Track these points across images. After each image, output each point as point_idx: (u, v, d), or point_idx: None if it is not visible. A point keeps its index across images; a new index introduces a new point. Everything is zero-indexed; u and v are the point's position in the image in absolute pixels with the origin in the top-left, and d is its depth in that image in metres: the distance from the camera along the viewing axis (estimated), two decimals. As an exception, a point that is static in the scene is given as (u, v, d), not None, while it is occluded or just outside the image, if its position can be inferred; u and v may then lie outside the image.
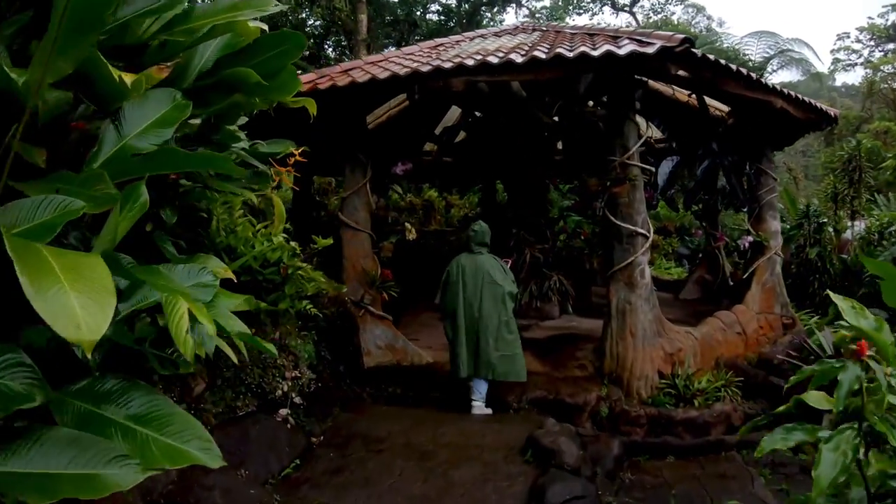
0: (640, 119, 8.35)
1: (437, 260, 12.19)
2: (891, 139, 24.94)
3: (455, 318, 7.30)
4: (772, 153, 10.66)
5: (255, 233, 5.93)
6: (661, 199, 10.13)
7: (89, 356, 2.10)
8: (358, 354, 8.14)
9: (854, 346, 2.61)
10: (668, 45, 6.57)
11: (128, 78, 3.15)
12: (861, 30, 35.56)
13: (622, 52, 6.61)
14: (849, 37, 36.62)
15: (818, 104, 9.67)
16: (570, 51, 6.83)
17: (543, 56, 6.83)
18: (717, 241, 12.20)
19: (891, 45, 33.98)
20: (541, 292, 10.16)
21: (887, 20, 34.16)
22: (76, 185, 3.16)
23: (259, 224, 6.15)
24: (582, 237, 10.81)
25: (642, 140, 8.01)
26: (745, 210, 10.54)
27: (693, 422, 7.39)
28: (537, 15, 27.86)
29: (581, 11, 29.62)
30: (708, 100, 10.14)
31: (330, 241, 6.52)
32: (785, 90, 8.93)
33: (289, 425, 5.85)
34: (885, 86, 29.69)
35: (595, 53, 6.66)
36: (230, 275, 5.04)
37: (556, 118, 10.03)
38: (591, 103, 9.96)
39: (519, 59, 6.90)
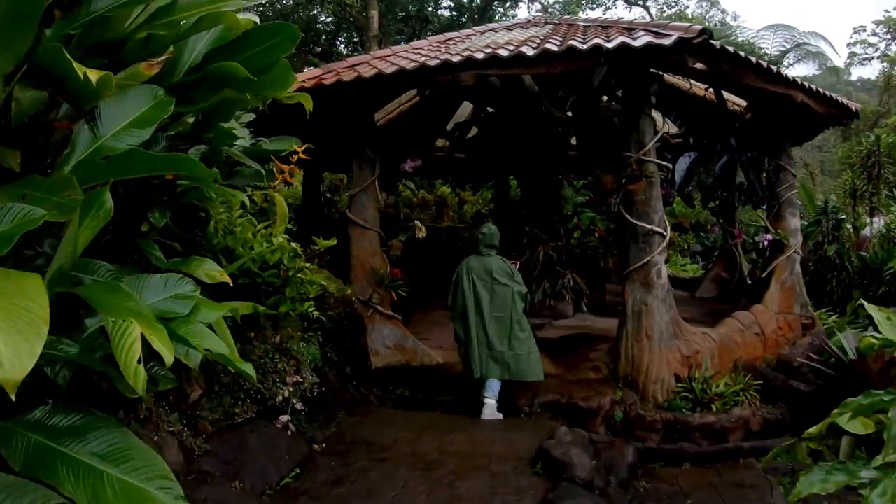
0: (656, 114, 7.97)
1: (449, 257, 11.90)
2: (909, 134, 24.33)
3: (466, 320, 7.15)
4: (790, 148, 10.26)
5: (255, 233, 5.63)
6: (678, 196, 9.74)
7: (13, 398, 1.78)
8: (365, 355, 7.85)
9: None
10: (685, 36, 6.21)
11: (92, 75, 2.84)
12: (877, 23, 34.83)
13: (638, 44, 6.24)
14: (865, 30, 35.94)
15: (840, 98, 9.26)
16: (583, 43, 6.47)
17: (555, 49, 6.47)
18: (734, 238, 11.83)
19: (908, 39, 33.29)
20: (554, 291, 9.80)
21: (905, 13, 33.46)
22: (43, 190, 2.86)
23: (260, 224, 5.85)
24: (597, 235, 10.43)
25: (658, 135, 7.64)
26: (764, 207, 10.16)
27: (710, 427, 7.06)
28: (550, 10, 27.36)
29: (594, 6, 29.03)
30: (725, 94, 9.78)
31: (333, 241, 6.21)
32: (806, 83, 8.54)
33: (289, 432, 5.55)
34: (904, 80, 29.08)
35: (609, 45, 6.29)
36: (226, 278, 4.75)
37: (569, 113, 9.67)
38: (605, 98, 9.62)
39: (530, 52, 6.54)
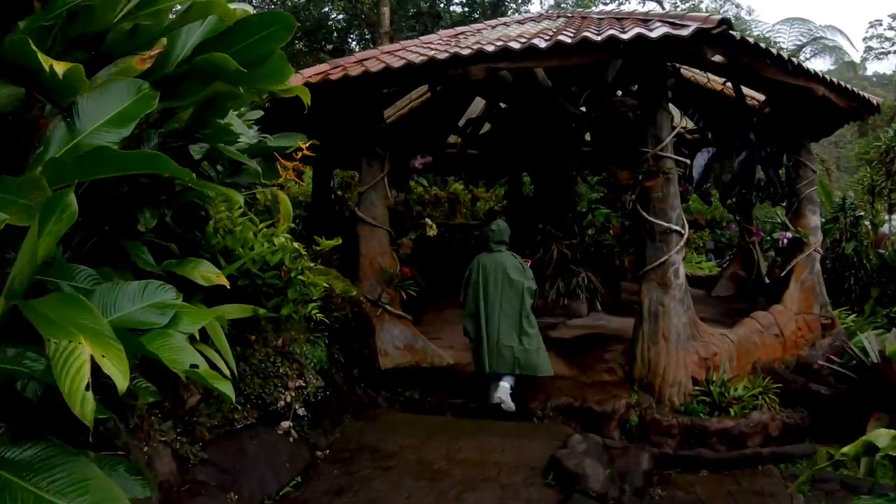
0: (672, 109, 7.66)
1: (462, 254, 11.62)
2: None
3: (477, 317, 7.03)
4: (810, 144, 9.89)
5: (256, 233, 5.37)
6: (695, 193, 9.40)
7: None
8: (374, 356, 7.59)
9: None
10: (704, 26, 5.88)
11: (59, 67, 2.57)
12: (894, 17, 34.12)
13: (654, 34, 5.92)
14: (881, 24, 35.23)
15: (862, 92, 8.89)
16: (598, 35, 6.15)
17: (569, 40, 6.16)
18: (751, 235, 11.47)
19: (927, 33, 32.59)
20: (568, 289, 9.52)
21: (923, 7, 32.74)
22: (11, 192, 2.60)
23: (262, 223, 5.58)
24: (612, 233, 10.11)
25: (676, 130, 7.32)
26: (783, 204, 9.81)
27: (728, 432, 6.76)
28: (563, 5, 26.95)
29: (608, 0, 28.57)
30: (743, 88, 9.41)
31: (338, 241, 5.94)
32: (827, 77, 8.18)
33: (291, 438, 5.29)
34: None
35: (625, 37, 5.98)
36: (223, 281, 4.49)
37: (583, 108, 9.36)
38: (619, 93, 9.30)
39: (542, 44, 6.22)
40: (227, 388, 2.87)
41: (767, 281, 11.03)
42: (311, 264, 5.80)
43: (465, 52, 6.50)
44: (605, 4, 28.13)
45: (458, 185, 16.51)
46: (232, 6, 3.71)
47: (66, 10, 3.09)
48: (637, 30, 6.04)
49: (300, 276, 5.27)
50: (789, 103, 8.78)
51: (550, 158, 10.35)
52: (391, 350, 7.84)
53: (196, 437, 4.75)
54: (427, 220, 9.14)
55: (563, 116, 9.47)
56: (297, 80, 7.26)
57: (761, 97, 9.70)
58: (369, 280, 7.96)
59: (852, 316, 10.74)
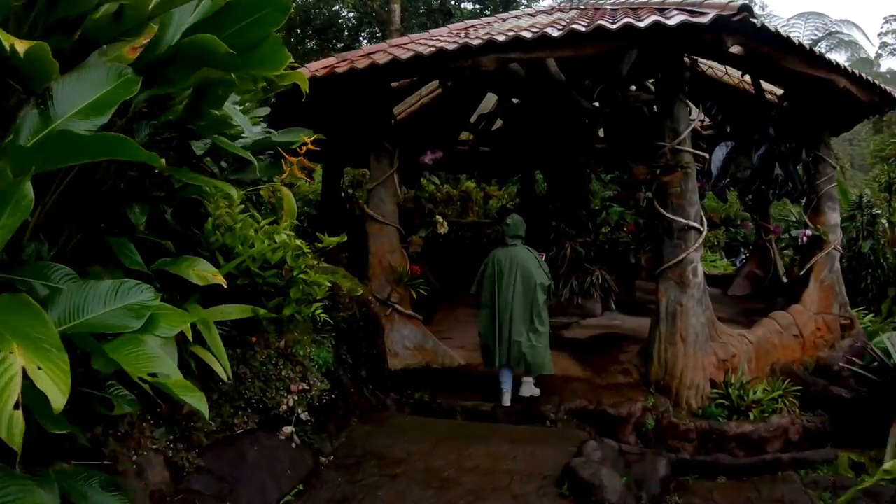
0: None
1: (473, 253, 11.33)
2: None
3: (490, 310, 6.80)
4: (829, 139, 9.52)
5: (257, 230, 5.08)
6: (712, 189, 9.05)
7: None
8: (382, 357, 7.30)
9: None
10: (723, 13, 5.56)
11: (20, 46, 2.29)
12: (910, 12, 33.45)
13: (672, 22, 5.60)
14: (896, 20, 34.58)
15: (884, 86, 8.51)
16: (613, 23, 5.83)
17: (583, 29, 5.84)
18: (768, 233, 11.11)
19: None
20: (582, 288, 9.23)
21: (939, 2, 32.12)
22: (-27, 181, 2.33)
23: (265, 220, 5.30)
24: (627, 231, 9.77)
25: (693, 123, 6.98)
26: (802, 201, 9.45)
27: (747, 437, 6.48)
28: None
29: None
30: (761, 82, 9.05)
31: (342, 238, 5.63)
32: (849, 68, 7.82)
33: (293, 444, 4.98)
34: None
35: (641, 25, 5.66)
36: (220, 280, 4.21)
37: (596, 104, 9.03)
38: (633, 88, 8.97)
39: (555, 33, 5.91)
40: (197, 403, 2.56)
41: (785, 280, 10.69)
42: (316, 262, 5.51)
43: (476, 42, 6.19)
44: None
45: (471, 184, 16.23)
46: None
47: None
48: (654, 17, 5.73)
49: (302, 275, 4.97)
50: (808, 97, 8.47)
51: (564, 155, 10.04)
52: (401, 350, 7.59)
53: (193, 443, 4.46)
54: (438, 217, 8.86)
55: (576, 112, 9.17)
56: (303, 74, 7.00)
57: (779, 91, 9.35)
58: (378, 279, 7.71)
59: (869, 316, 10.45)
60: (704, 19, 5.55)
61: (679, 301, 6.70)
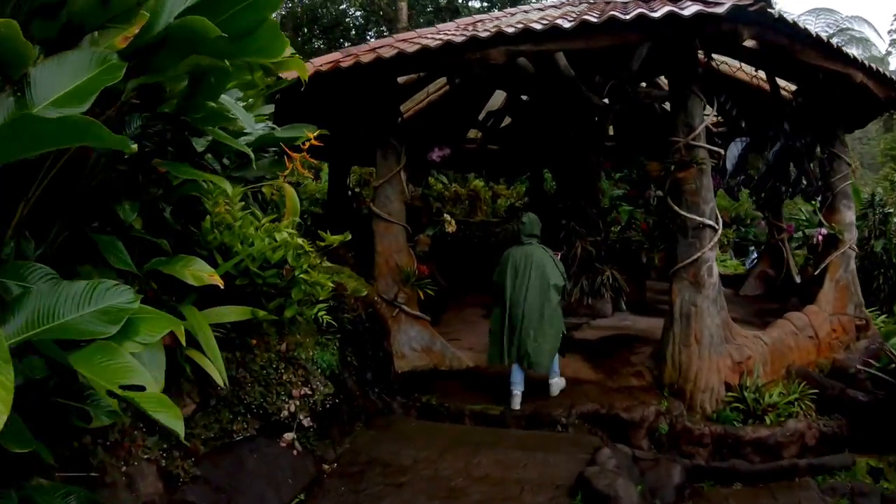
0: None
1: (482, 252, 11.09)
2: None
3: (502, 309, 6.60)
4: (844, 136, 9.23)
5: (257, 228, 4.84)
6: (728, 185, 8.78)
7: None
8: (389, 359, 7.05)
9: None
10: (740, 3, 5.30)
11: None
12: (921, 10, 32.95)
13: (687, 12, 5.35)
14: (907, 16, 34.06)
15: (901, 80, 8.22)
16: (626, 14, 5.57)
17: (595, 20, 5.58)
18: (781, 232, 10.82)
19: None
20: (592, 288, 8.98)
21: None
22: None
23: (266, 218, 5.06)
24: (641, 229, 9.50)
25: (709, 118, 6.72)
26: (818, 199, 9.16)
27: (763, 442, 6.26)
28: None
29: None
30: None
31: (346, 236, 5.39)
32: (866, 62, 7.56)
33: (295, 451, 4.74)
34: (948, 69, 27.47)
35: (655, 15, 5.41)
36: (217, 280, 3.97)
37: (606, 100, 8.77)
38: (643, 84, 8.71)
39: (567, 24, 5.66)
40: (172, 421, 2.28)
41: (798, 280, 10.40)
42: (319, 261, 5.27)
43: (484, 34, 5.94)
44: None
45: (479, 182, 15.97)
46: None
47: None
48: (668, 7, 5.48)
49: (303, 275, 4.73)
50: (823, 92, 8.18)
51: (573, 152, 9.79)
52: (408, 352, 7.36)
53: (189, 451, 4.21)
54: (446, 216, 8.61)
55: (586, 108, 8.91)
56: (307, 69, 6.76)
57: (792, 87, 9.07)
58: (385, 279, 7.47)
59: (882, 317, 10.23)
60: (720, 9, 5.30)
61: (693, 302, 6.44)
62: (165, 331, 2.60)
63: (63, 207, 3.53)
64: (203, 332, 3.71)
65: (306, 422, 4.87)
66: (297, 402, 4.84)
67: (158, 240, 4.16)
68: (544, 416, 6.24)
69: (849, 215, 8.83)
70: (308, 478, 4.69)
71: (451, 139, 9.68)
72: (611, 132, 10.98)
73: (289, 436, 4.75)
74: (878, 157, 26.09)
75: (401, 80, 7.87)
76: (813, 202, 9.77)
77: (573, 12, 6.80)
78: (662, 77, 10.09)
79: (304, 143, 5.25)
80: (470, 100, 10.62)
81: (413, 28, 16.64)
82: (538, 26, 5.78)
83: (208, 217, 4.63)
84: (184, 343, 3.46)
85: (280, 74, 4.46)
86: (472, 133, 12.34)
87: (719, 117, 8.89)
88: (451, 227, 8.47)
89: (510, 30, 5.86)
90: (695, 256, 6.39)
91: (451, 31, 7.37)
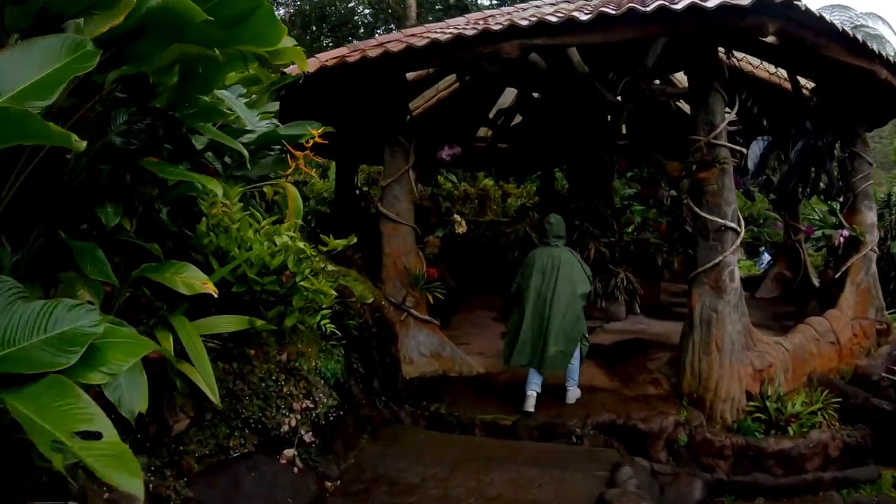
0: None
1: (492, 253, 10.75)
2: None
3: (527, 311, 6.34)
4: (865, 134, 8.85)
5: (256, 231, 4.52)
6: (749, 185, 8.42)
7: None
8: (396, 366, 6.72)
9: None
10: (766, -7, 4.94)
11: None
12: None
13: (710, 3, 4.99)
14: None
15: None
16: (645, 5, 5.22)
17: (613, 12, 5.23)
18: (798, 233, 10.44)
19: (964, 26, 30.86)
20: (606, 291, 8.64)
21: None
22: None
23: (266, 220, 4.74)
24: (658, 231, 9.14)
25: (730, 116, 6.37)
26: (837, 200, 8.79)
27: (787, 454, 5.91)
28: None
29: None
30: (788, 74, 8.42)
31: (351, 239, 5.06)
32: (891, 58, 7.16)
33: (296, 469, 4.41)
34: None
35: (677, 7, 5.05)
36: (211, 288, 3.65)
37: (620, 98, 8.43)
38: (657, 81, 8.36)
39: (583, 17, 5.32)
40: (128, 482, 1.79)
41: (816, 282, 10.02)
42: (323, 265, 4.95)
43: (497, 27, 5.61)
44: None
45: (489, 182, 15.63)
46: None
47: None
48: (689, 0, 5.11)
49: (304, 282, 4.40)
50: (845, 89, 7.78)
51: (586, 151, 9.44)
52: (416, 358, 7.04)
53: (182, 469, 3.91)
54: (456, 216, 8.26)
55: (599, 106, 8.57)
56: (312, 65, 6.45)
57: (810, 85, 8.69)
58: (393, 281, 7.15)
59: (900, 320, 9.74)
60: (745, 1, 4.94)
61: (714, 307, 6.09)
62: (137, 357, 2.26)
63: (42, 210, 3.22)
64: (193, 345, 3.39)
65: (308, 437, 4.54)
66: (299, 416, 4.52)
67: (148, 244, 3.85)
68: (558, 427, 5.91)
69: (870, 216, 8.43)
70: (309, 497, 4.35)
71: (460, 137, 9.35)
72: (624, 131, 10.60)
73: (289, 452, 4.43)
74: (890, 155, 25.54)
75: (410, 76, 7.53)
76: (829, 202, 9.40)
77: (588, 6, 6.46)
78: (677, 74, 9.76)
79: (308, 141, 4.95)
80: (480, 97, 10.29)
81: (422, 24, 16.38)
82: (553, 19, 5.44)
83: (204, 219, 4.31)
84: (172, 358, 3.14)
85: (277, 65, 4.11)
86: (483, 131, 12.01)
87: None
88: (461, 228, 8.12)
89: (524, 23, 5.52)
90: (716, 260, 6.04)
91: (461, 25, 7.05)
